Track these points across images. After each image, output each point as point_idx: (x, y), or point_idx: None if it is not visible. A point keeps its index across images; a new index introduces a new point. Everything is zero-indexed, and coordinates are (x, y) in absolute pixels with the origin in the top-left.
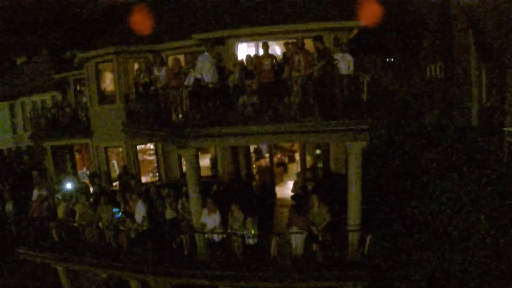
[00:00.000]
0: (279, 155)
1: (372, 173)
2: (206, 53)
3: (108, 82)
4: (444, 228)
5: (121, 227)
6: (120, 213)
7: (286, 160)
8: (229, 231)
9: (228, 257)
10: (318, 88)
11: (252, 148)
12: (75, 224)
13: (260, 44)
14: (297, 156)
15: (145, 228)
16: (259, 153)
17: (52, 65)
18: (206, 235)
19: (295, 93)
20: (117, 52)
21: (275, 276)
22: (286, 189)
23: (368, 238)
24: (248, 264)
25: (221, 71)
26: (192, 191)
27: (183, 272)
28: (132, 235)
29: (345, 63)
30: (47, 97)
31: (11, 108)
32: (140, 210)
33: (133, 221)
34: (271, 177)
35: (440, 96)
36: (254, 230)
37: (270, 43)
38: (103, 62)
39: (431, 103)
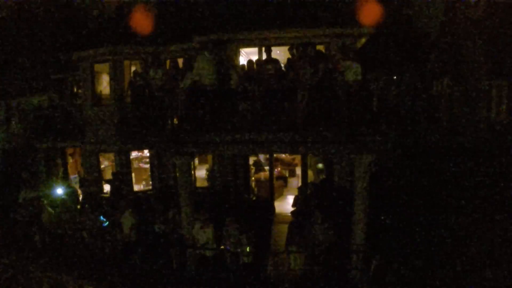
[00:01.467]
0: (279, 168)
1: (379, 190)
2: (206, 53)
3: (105, 85)
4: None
5: (108, 237)
6: (107, 222)
7: (287, 173)
8: (222, 247)
9: (221, 275)
10: (324, 96)
11: (251, 160)
12: (59, 231)
13: (264, 49)
14: (298, 170)
15: (132, 239)
16: (258, 166)
17: (50, 66)
18: (197, 251)
19: (301, 100)
20: (114, 53)
21: None
22: (286, 204)
23: (374, 259)
24: (242, 283)
25: (222, 76)
26: (184, 202)
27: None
28: (119, 246)
29: (352, 71)
30: (44, 98)
31: (8, 108)
32: (128, 220)
33: (121, 231)
34: (270, 191)
35: (447, 112)
36: (249, 247)
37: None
38: (99, 62)
39: (437, 120)
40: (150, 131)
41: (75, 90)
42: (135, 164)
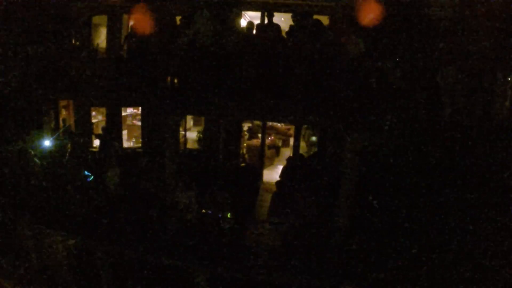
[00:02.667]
0: (272, 137)
1: (371, 171)
2: (205, 11)
3: (103, 39)
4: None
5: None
6: (91, 177)
7: (280, 143)
8: (203, 211)
9: (202, 240)
10: (321, 68)
11: (246, 126)
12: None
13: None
14: (292, 141)
15: (117, 195)
16: (252, 133)
17: (49, 17)
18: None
19: (297, 70)
20: (112, 5)
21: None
22: (275, 174)
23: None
24: (221, 249)
25: (220, 37)
26: (169, 162)
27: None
28: (103, 202)
29: (355, 45)
30: (41, 49)
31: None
32: (113, 176)
33: (105, 186)
34: (260, 159)
35: (450, 101)
36: (230, 213)
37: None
38: (97, 14)
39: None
40: (143, 88)
41: (73, 42)
42: (128, 121)
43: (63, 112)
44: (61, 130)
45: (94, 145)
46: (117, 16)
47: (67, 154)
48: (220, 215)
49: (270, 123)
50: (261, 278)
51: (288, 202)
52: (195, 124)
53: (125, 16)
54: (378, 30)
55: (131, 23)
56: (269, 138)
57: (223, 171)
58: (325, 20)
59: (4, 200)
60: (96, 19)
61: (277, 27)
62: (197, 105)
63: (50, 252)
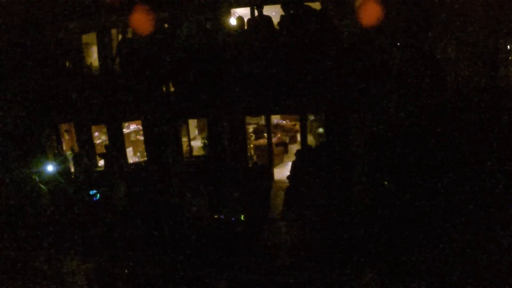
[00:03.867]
0: (279, 135)
1: (382, 154)
2: (193, 15)
3: (95, 57)
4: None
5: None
6: (98, 196)
7: (287, 140)
8: (216, 216)
9: (217, 245)
10: (318, 54)
11: (251, 127)
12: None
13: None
14: (299, 137)
15: (125, 211)
16: (259, 133)
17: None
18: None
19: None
20: (99, 22)
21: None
22: (285, 171)
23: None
24: (236, 253)
25: (212, 37)
26: (175, 170)
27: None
28: (112, 219)
29: (349, 28)
30: (35, 77)
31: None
32: (120, 192)
33: (112, 203)
34: (269, 157)
35: (452, 75)
36: (244, 215)
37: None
38: (85, 32)
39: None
40: (139, 99)
41: (66, 64)
42: (132, 137)
43: (66, 136)
44: (65, 155)
45: (100, 165)
46: (107, 32)
47: (72, 176)
48: (233, 218)
49: (275, 121)
50: (281, 278)
51: (302, 196)
52: (200, 133)
53: (113, 31)
54: (372, 9)
55: (121, 35)
56: (276, 136)
57: (232, 174)
58: (317, 6)
59: (15, 229)
60: (85, 38)
61: (268, 19)
62: (194, 108)
63: (66, 275)
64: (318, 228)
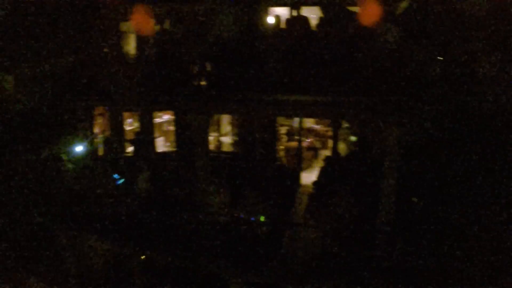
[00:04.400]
0: (311, 139)
1: (414, 167)
2: (229, 7)
3: (133, 45)
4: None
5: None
6: (121, 180)
7: (319, 145)
8: (235, 214)
9: (235, 244)
10: (355, 59)
11: (284, 129)
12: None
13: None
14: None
15: (147, 198)
16: (291, 135)
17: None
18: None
19: (330, 61)
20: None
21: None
22: (313, 176)
23: (399, 242)
24: (253, 255)
25: (247, 33)
26: (200, 163)
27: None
28: (134, 205)
29: (390, 34)
30: (73, 58)
31: (40, 70)
32: (143, 180)
33: (135, 190)
34: (298, 160)
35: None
36: (264, 217)
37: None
38: (124, 20)
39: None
40: (171, 90)
41: (106, 50)
42: (164, 127)
43: (99, 120)
44: (91, 136)
45: (128, 151)
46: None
47: (99, 159)
48: (253, 218)
49: (309, 125)
50: (294, 286)
51: (326, 204)
52: (232, 129)
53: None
54: (414, 18)
55: (159, 25)
56: (308, 140)
57: (259, 174)
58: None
59: (39, 204)
60: (123, 26)
61: (306, 19)
62: (223, 103)
63: (85, 255)
64: (338, 239)
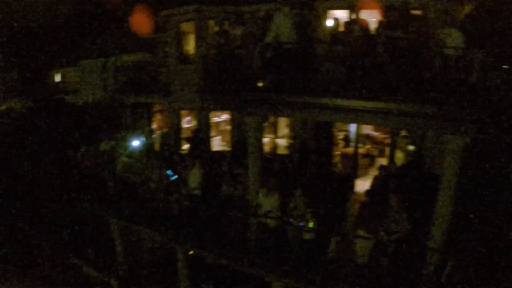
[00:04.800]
0: (368, 146)
1: (470, 181)
2: (286, 9)
3: (193, 45)
4: None
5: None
6: (174, 176)
7: (376, 152)
8: (284, 219)
9: (280, 249)
10: (416, 64)
11: (341, 134)
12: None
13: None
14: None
15: (196, 193)
16: (347, 141)
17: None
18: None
19: (388, 67)
20: (198, 11)
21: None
22: (367, 184)
23: (450, 261)
24: (299, 261)
25: (304, 35)
26: (252, 164)
27: (228, 254)
28: (185, 202)
29: (453, 39)
30: (138, 56)
31: (104, 66)
32: (195, 177)
33: (186, 187)
34: (353, 167)
35: None
36: (313, 223)
37: None
38: (184, 21)
39: None
40: (228, 90)
41: (166, 49)
42: (222, 127)
43: (158, 116)
44: (147, 130)
45: (184, 148)
46: (205, 23)
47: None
48: (301, 224)
49: (367, 132)
50: None
51: (378, 214)
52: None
53: (211, 22)
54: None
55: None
56: (365, 147)
57: (312, 178)
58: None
59: (95, 194)
60: (185, 27)
61: (365, 22)
62: (277, 106)
63: (134, 246)
64: (387, 251)
